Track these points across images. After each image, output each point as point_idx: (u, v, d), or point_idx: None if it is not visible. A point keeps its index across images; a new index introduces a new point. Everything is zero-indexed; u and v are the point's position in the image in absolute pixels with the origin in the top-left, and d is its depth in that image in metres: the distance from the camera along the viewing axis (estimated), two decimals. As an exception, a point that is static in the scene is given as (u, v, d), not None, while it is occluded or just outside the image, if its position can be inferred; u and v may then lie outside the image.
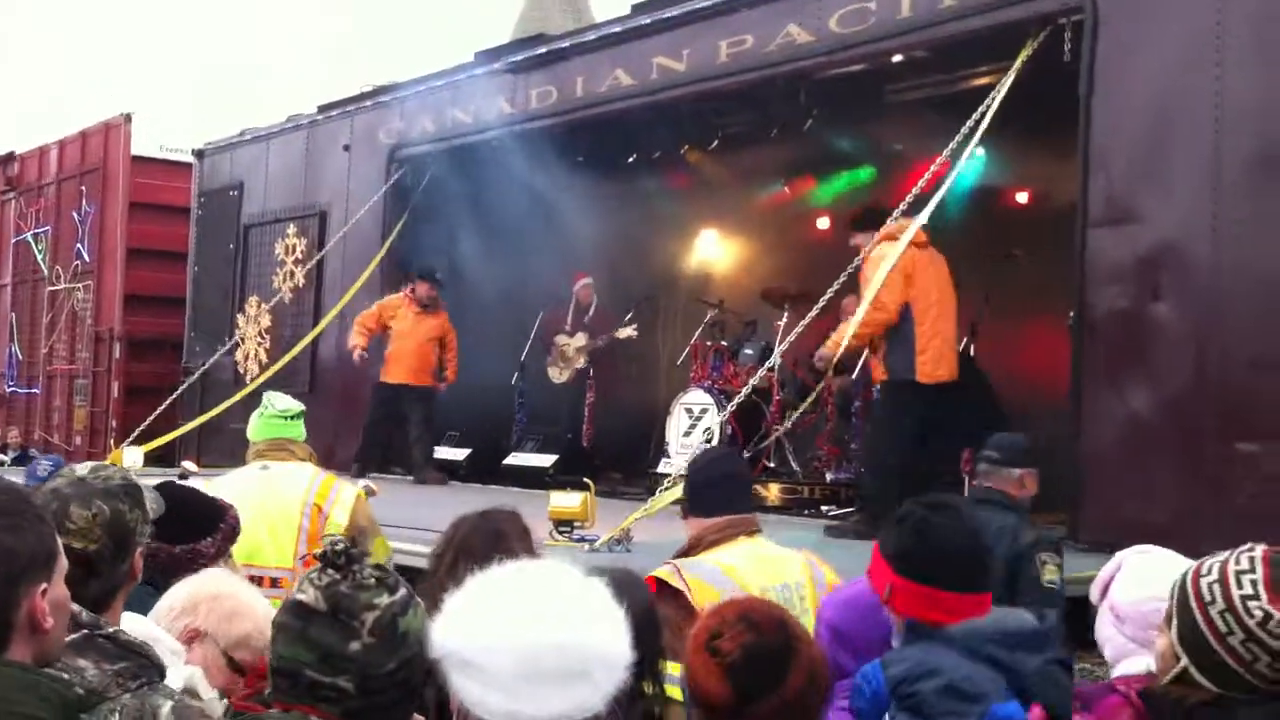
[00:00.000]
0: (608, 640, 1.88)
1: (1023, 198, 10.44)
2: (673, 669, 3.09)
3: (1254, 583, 2.38)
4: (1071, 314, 6.91)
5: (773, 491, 9.27)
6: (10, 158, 17.30)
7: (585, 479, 6.89)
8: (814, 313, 7.26)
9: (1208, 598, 2.41)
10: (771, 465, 9.91)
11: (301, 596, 1.99)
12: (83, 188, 15.55)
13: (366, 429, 10.87)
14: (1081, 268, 6.77)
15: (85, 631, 2.30)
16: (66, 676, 2.02)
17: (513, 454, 11.13)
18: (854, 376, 9.57)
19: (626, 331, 11.23)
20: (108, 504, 2.48)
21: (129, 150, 14.94)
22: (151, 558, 2.89)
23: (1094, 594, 3.27)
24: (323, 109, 12.95)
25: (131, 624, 2.52)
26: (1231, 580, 2.41)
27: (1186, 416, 6.21)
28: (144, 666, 2.25)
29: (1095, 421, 6.62)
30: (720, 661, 2.27)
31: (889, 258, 7.15)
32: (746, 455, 8.95)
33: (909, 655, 2.63)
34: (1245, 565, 2.41)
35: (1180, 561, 2.83)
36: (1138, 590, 3.09)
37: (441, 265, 11.12)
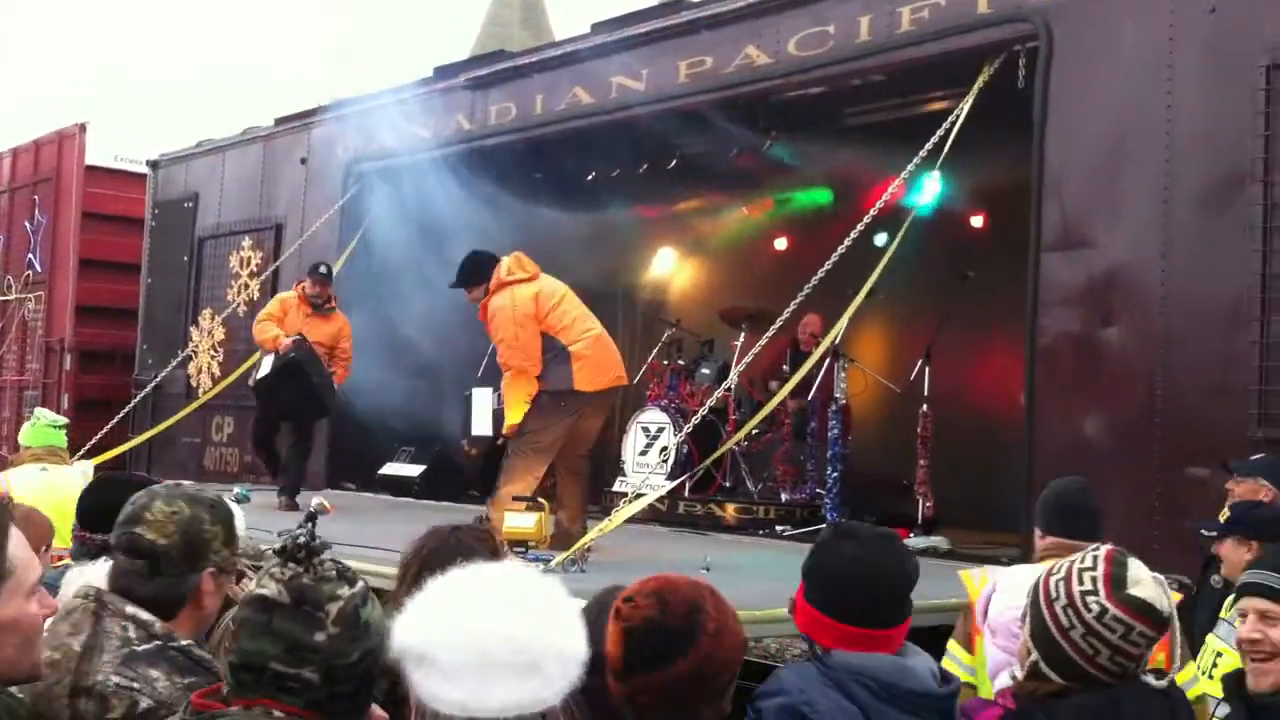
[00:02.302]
0: (558, 635, 1.90)
1: (978, 221, 10.53)
2: (959, 653, 3.58)
3: (1094, 579, 2.48)
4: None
5: (729, 511, 9.29)
6: (-39, 166, 17.06)
7: (540, 499, 6.83)
8: (771, 332, 7.27)
9: (1053, 594, 2.52)
10: (728, 485, 9.93)
11: (263, 591, 1.96)
12: (35, 197, 15.34)
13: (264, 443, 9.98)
14: (1035, 291, 6.84)
15: (159, 642, 2.38)
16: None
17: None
18: (810, 398, 9.61)
19: None
20: (189, 507, 2.55)
21: (83, 160, 14.75)
22: None
23: (978, 618, 3.36)
24: (280, 121, 12.88)
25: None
26: (1074, 577, 2.51)
27: (1136, 440, 6.28)
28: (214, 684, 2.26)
29: (1048, 443, 6.68)
30: (619, 625, 2.31)
31: (515, 306, 7.16)
32: (699, 474, 8.97)
33: (777, 675, 2.59)
34: (1089, 563, 2.52)
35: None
36: (1002, 602, 3.19)
37: (397, 282, 11.02)
